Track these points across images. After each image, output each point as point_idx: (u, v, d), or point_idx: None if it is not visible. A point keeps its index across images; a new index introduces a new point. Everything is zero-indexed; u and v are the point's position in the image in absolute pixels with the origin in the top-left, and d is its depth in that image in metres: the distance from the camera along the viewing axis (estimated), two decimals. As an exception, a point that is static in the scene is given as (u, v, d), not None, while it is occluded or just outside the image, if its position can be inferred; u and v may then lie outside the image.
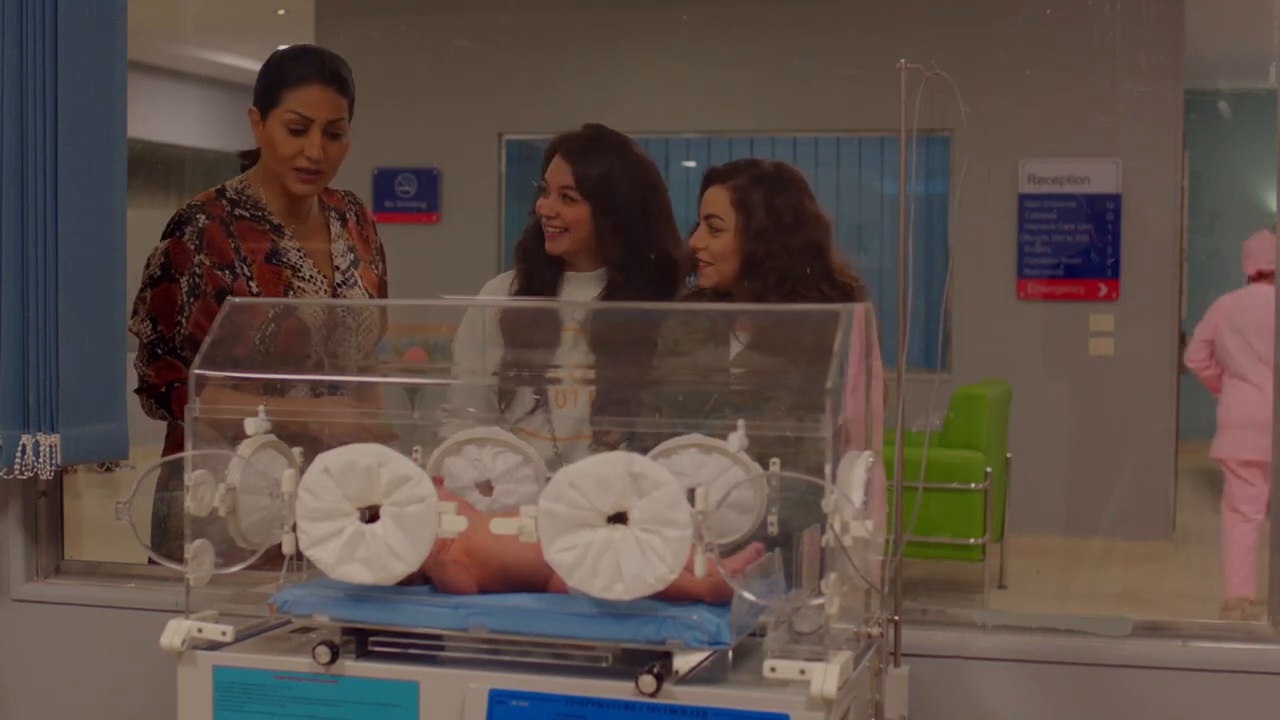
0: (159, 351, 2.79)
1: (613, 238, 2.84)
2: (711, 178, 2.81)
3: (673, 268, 2.85)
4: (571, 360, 2.61)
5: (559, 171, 2.85)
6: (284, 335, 2.55)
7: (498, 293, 2.97)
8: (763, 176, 2.77)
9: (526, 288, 2.90)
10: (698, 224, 2.80)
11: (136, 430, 2.66)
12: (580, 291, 2.88)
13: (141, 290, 2.81)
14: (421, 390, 2.46)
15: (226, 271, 2.74)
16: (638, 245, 2.85)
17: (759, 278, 2.72)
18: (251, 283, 2.74)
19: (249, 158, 2.88)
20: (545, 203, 2.86)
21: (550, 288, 2.89)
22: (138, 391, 2.82)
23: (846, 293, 2.71)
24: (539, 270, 2.90)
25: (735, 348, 2.49)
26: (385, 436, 2.10)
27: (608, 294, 2.85)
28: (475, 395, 2.57)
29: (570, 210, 2.84)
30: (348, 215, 2.94)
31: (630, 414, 2.08)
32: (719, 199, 2.77)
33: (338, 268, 2.85)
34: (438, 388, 2.43)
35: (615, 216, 2.83)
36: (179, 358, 2.77)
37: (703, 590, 1.78)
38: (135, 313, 2.81)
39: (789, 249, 2.72)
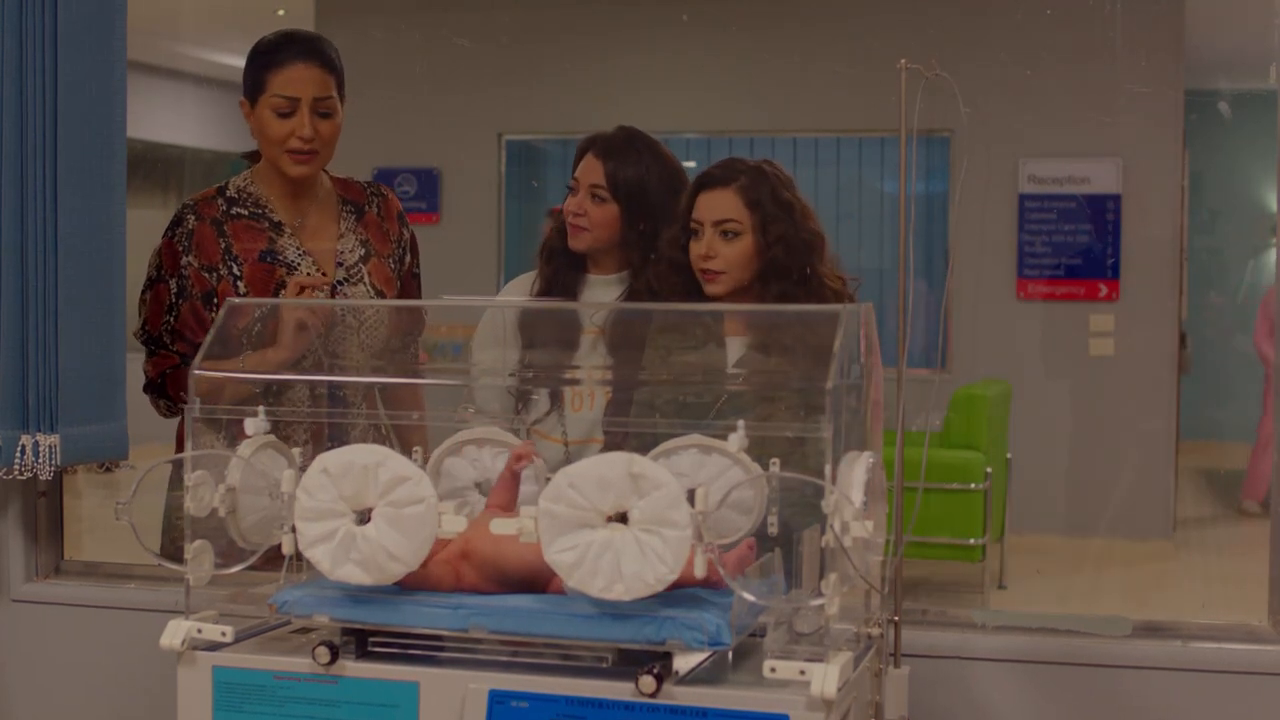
0: (152, 349, 2.80)
1: (639, 241, 2.81)
2: (708, 182, 2.67)
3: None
4: (590, 362, 2.60)
5: (590, 170, 2.83)
6: (271, 335, 2.53)
7: (519, 293, 2.94)
8: (761, 174, 2.66)
9: (548, 289, 2.88)
10: (688, 233, 2.66)
11: (136, 430, 2.66)
12: (601, 294, 2.86)
13: (142, 292, 2.81)
14: (425, 390, 2.47)
15: (212, 274, 2.73)
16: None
17: (783, 278, 2.60)
18: (240, 283, 2.72)
19: (253, 159, 2.86)
20: (573, 200, 2.83)
21: (571, 290, 2.86)
22: (145, 391, 2.82)
23: (842, 288, 2.63)
24: (561, 272, 2.88)
25: (733, 350, 2.48)
26: None
27: (630, 297, 2.81)
28: (493, 396, 2.56)
29: (598, 210, 2.81)
30: (367, 208, 2.88)
31: (643, 417, 2.07)
32: (728, 203, 2.62)
33: (341, 264, 2.80)
34: (448, 388, 2.44)
35: (644, 219, 2.80)
36: (167, 349, 2.78)
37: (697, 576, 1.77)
38: (139, 313, 2.81)
39: (806, 244, 2.63)
